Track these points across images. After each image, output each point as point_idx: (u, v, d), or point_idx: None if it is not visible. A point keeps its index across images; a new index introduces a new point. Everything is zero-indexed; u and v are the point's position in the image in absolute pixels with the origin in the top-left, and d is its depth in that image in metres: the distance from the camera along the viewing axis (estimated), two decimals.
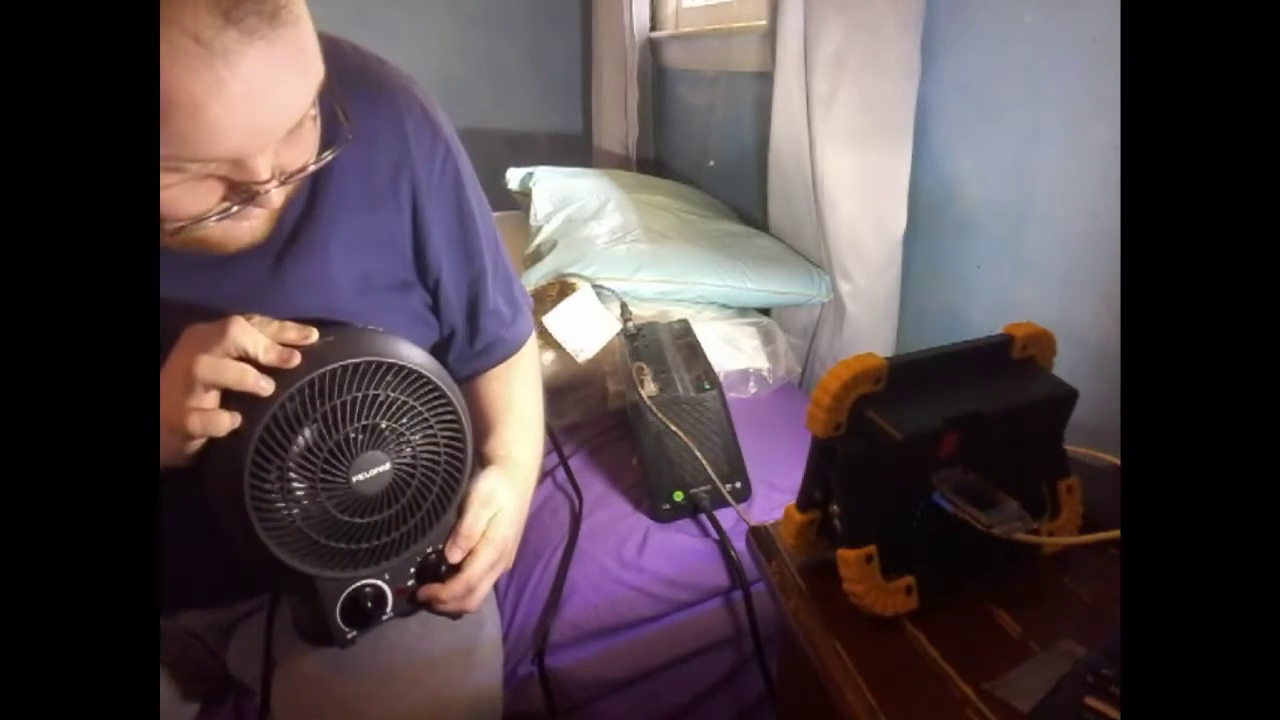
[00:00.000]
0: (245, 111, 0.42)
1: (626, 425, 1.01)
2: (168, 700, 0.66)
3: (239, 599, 0.67)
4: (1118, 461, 0.59)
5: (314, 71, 0.45)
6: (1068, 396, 0.50)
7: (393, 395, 0.53)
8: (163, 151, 0.41)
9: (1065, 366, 0.53)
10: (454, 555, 0.58)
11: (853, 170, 1.00)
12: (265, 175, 0.46)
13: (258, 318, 0.51)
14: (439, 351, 0.70)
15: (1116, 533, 0.51)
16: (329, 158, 0.51)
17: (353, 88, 0.57)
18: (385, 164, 0.61)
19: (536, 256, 1.18)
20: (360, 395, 0.52)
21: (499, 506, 0.61)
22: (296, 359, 0.50)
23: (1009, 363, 0.52)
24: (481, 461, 0.67)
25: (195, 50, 0.39)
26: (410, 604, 0.59)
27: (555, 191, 1.38)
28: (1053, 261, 0.83)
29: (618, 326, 1.04)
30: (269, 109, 0.43)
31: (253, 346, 0.48)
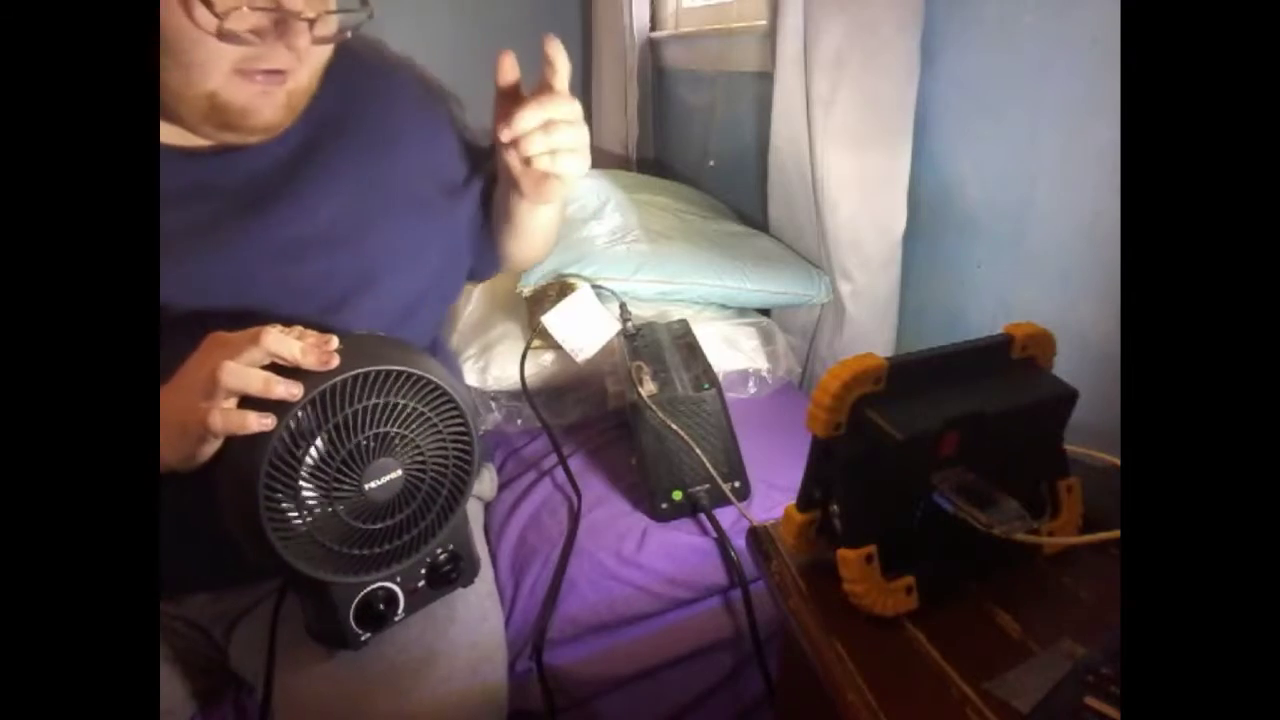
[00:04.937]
0: None
1: (626, 426, 1.01)
2: (173, 696, 0.66)
3: (248, 582, 0.68)
4: (1118, 461, 0.59)
5: None
6: (1068, 396, 0.50)
7: (403, 402, 0.54)
8: None
9: (1065, 366, 0.53)
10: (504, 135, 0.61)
11: (853, 170, 1.00)
12: (300, 5, 0.52)
13: (279, 326, 0.51)
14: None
15: (1116, 533, 0.51)
16: (364, 18, 0.58)
17: (359, 56, 0.65)
18: (404, 113, 0.70)
19: None
20: (371, 404, 0.52)
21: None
22: (336, 360, 0.50)
23: (1009, 363, 0.52)
24: None
25: None
26: None
27: None
28: (1053, 261, 0.83)
29: (617, 326, 1.04)
30: None
31: (288, 352, 0.49)
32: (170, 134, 0.58)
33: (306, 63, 0.56)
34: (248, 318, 0.57)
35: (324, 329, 0.53)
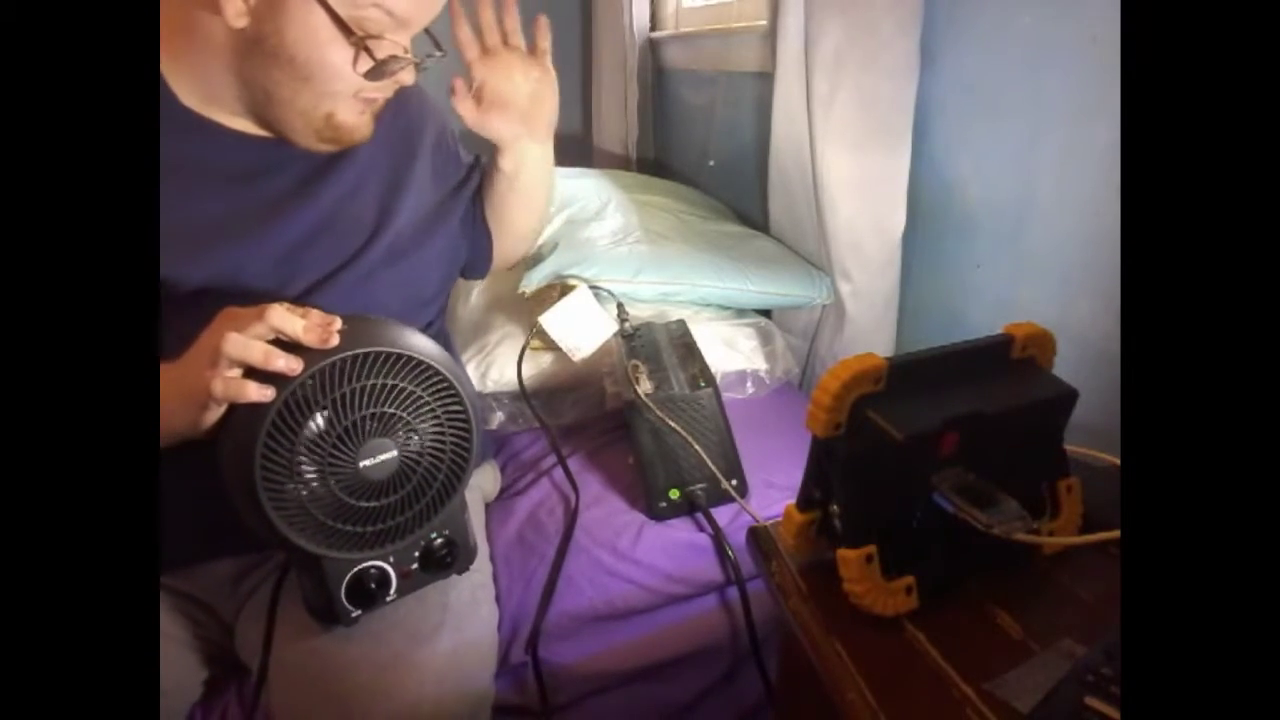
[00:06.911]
0: None
1: (624, 427, 1.01)
2: (177, 677, 0.68)
3: (262, 549, 0.70)
4: (1118, 461, 0.59)
5: None
6: (1068, 396, 0.50)
7: (402, 385, 0.55)
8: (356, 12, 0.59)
9: (1065, 366, 0.53)
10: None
11: (852, 170, 1.00)
12: (407, 48, 0.64)
13: (286, 304, 0.53)
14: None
15: (1116, 533, 0.51)
16: (434, 59, 0.68)
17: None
18: (419, 129, 0.81)
19: (537, 258, 1.18)
20: (371, 384, 0.54)
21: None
22: (336, 340, 0.52)
23: (1009, 363, 0.52)
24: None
25: None
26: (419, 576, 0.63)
27: (555, 192, 1.38)
28: (1053, 261, 0.83)
29: (614, 326, 1.04)
30: None
31: (291, 328, 0.51)
32: (236, 123, 0.67)
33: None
34: (278, 293, 0.64)
35: (348, 306, 0.58)
